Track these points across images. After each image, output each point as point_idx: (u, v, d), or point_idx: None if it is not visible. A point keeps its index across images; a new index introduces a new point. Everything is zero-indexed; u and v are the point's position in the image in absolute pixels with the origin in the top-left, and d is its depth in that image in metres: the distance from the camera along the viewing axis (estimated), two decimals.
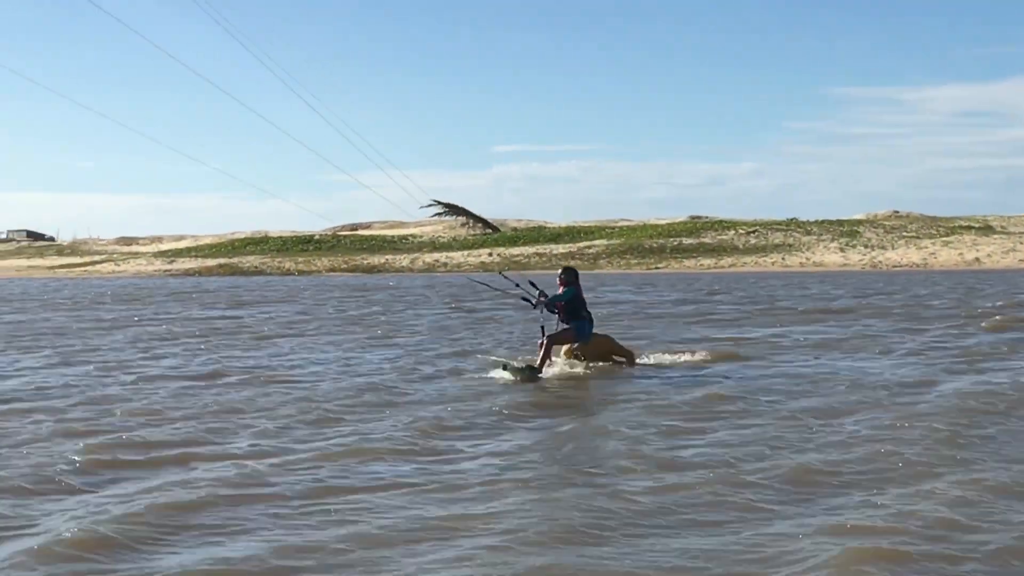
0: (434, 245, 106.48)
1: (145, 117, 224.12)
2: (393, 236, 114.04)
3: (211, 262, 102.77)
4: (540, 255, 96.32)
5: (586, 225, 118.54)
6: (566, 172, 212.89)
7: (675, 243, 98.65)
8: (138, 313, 37.11)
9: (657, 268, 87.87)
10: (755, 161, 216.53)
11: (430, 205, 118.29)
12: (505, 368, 17.20)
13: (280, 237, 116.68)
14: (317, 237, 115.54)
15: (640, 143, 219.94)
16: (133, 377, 17.68)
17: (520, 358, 18.39)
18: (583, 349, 18.61)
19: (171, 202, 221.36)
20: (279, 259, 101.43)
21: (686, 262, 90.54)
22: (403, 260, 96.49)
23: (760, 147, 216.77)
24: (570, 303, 18.01)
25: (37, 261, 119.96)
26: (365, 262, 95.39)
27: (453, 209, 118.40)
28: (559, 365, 18.37)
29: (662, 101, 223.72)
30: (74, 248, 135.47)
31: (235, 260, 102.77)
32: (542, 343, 17.69)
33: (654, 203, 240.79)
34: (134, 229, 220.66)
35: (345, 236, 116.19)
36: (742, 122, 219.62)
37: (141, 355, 21.70)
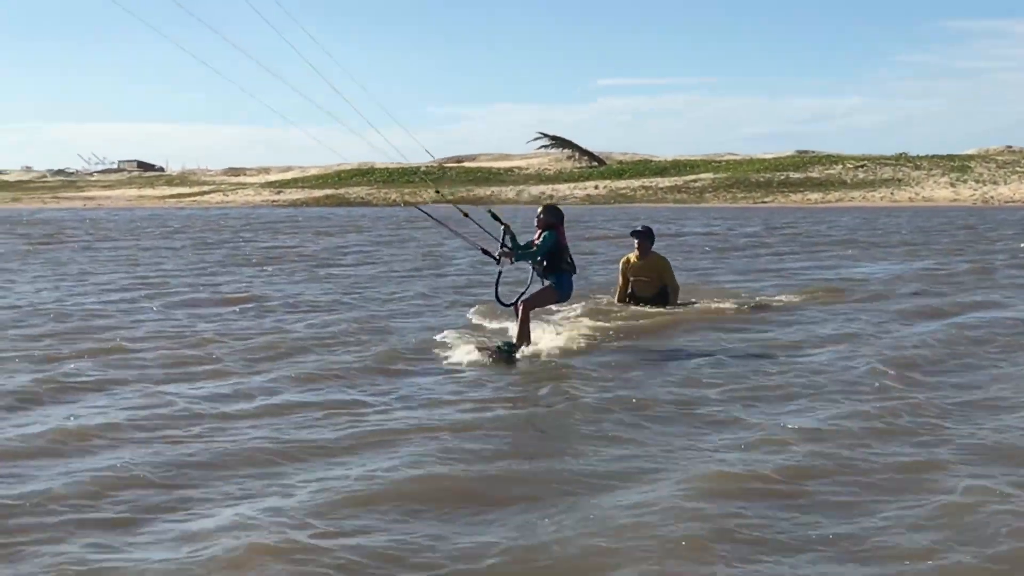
0: (540, 178, 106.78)
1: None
2: (499, 168, 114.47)
3: (318, 193, 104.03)
4: (646, 188, 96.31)
5: (692, 159, 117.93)
6: (672, 106, 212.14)
7: (782, 177, 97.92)
8: None
9: (763, 202, 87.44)
10: (863, 96, 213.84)
11: (537, 138, 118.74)
12: (480, 351, 13.46)
13: (386, 168, 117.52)
14: (423, 168, 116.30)
15: (747, 77, 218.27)
16: None
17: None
18: (637, 269, 17.72)
19: (278, 133, 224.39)
20: (385, 190, 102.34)
21: (792, 196, 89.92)
22: (509, 192, 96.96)
23: (869, 81, 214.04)
24: (549, 253, 13.94)
25: (147, 191, 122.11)
26: (471, 194, 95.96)
27: (559, 142, 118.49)
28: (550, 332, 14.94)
29: (770, 35, 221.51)
30: (183, 178, 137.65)
31: (341, 191, 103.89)
32: (518, 307, 13.97)
33: (760, 138, 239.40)
34: (242, 160, 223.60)
35: (451, 168, 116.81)
36: (851, 56, 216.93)
37: None
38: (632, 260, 17.80)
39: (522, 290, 14.17)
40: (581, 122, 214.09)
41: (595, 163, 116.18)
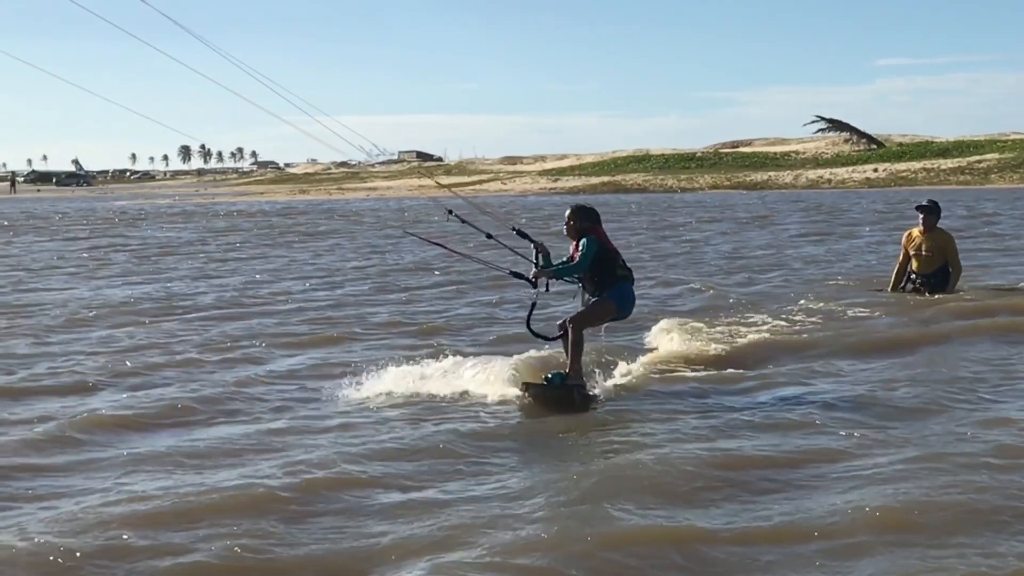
0: (817, 162, 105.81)
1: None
2: (775, 153, 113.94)
3: (595, 180, 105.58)
4: (927, 170, 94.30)
5: (975, 139, 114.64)
6: (954, 85, 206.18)
7: None
8: None
9: None
10: None
11: (813, 121, 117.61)
12: (526, 389, 10.91)
13: (662, 155, 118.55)
14: (699, 155, 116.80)
15: None
16: None
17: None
18: (919, 244, 17.22)
19: (552, 121, 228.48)
20: (661, 176, 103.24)
21: None
22: (786, 177, 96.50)
23: None
24: (596, 262, 11.12)
25: (427, 181, 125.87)
26: (748, 179, 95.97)
27: (837, 125, 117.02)
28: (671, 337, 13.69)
29: None
30: (461, 168, 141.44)
31: (618, 178, 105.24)
32: (563, 331, 11.14)
33: None
34: (516, 148, 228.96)
35: (726, 153, 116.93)
36: None
37: None
38: (915, 234, 17.45)
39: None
40: (858, 103, 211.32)
41: (873, 146, 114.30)
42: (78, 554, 6.90)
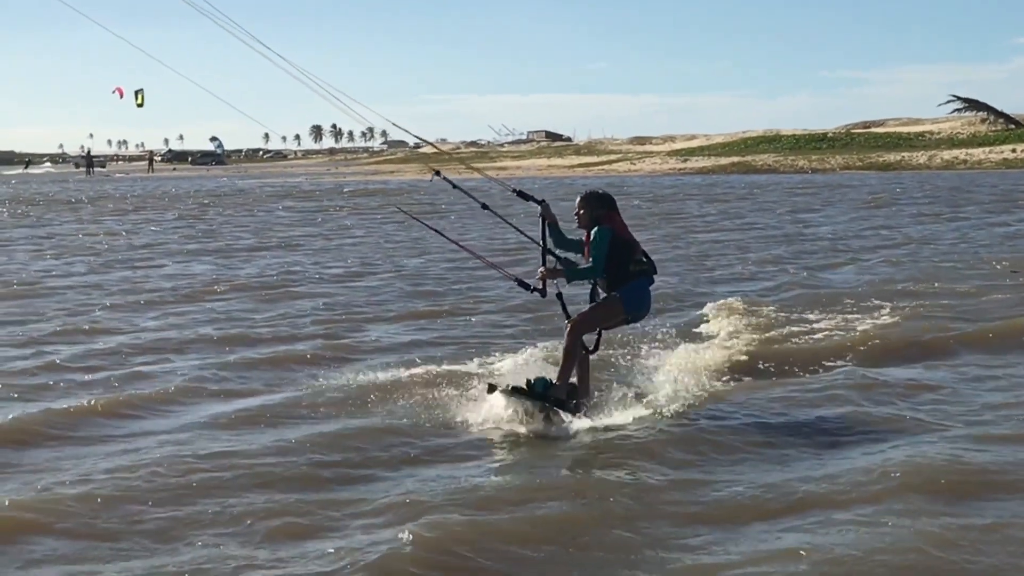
0: (952, 142, 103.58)
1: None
2: (909, 133, 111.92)
3: (724, 160, 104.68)
4: None
5: None
6: None
7: None
8: None
9: None
10: None
11: (949, 101, 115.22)
12: (491, 390, 9.51)
13: (792, 135, 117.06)
14: (830, 135, 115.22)
15: None
16: None
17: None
18: None
19: (681, 101, 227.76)
20: (791, 157, 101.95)
21: None
22: (920, 157, 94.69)
23: None
24: (609, 254, 9.56)
25: (556, 160, 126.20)
26: (880, 160, 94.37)
27: (973, 104, 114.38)
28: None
29: None
30: (590, 148, 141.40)
31: (748, 158, 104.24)
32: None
33: None
34: (646, 128, 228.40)
35: (859, 134, 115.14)
36: None
37: None
38: None
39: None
40: (994, 82, 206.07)
41: (1012, 126, 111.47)
42: (147, 502, 7.78)
